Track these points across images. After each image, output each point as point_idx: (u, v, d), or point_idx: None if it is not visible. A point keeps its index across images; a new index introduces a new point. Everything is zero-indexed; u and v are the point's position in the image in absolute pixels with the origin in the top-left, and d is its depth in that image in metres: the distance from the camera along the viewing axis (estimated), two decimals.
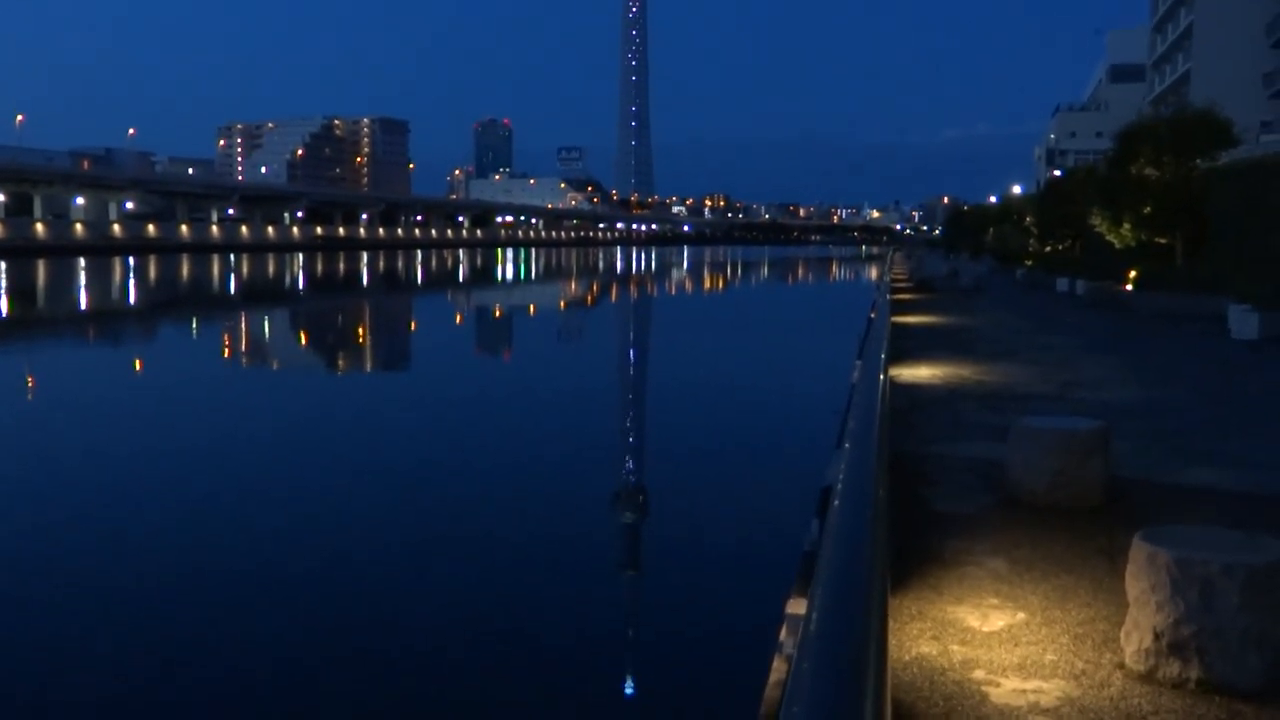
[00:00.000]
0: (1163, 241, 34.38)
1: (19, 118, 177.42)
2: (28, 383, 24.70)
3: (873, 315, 16.58)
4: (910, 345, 18.37)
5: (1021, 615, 5.17)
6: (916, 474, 8.30)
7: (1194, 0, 72.29)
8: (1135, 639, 4.49)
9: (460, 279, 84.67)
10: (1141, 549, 4.48)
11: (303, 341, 37.46)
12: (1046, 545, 6.33)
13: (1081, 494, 7.24)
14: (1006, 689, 4.34)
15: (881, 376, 8.26)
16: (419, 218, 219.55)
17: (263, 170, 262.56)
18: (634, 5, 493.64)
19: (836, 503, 4.21)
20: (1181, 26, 75.21)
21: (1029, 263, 54.14)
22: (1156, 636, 4.38)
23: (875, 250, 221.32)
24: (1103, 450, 7.39)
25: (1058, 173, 73.68)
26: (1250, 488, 8.03)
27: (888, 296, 24.49)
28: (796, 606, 4.40)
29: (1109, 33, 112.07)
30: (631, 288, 76.62)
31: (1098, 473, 7.35)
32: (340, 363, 30.79)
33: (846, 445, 5.59)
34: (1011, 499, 7.43)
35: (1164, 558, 4.35)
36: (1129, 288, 31.86)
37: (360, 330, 42.44)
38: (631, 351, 35.21)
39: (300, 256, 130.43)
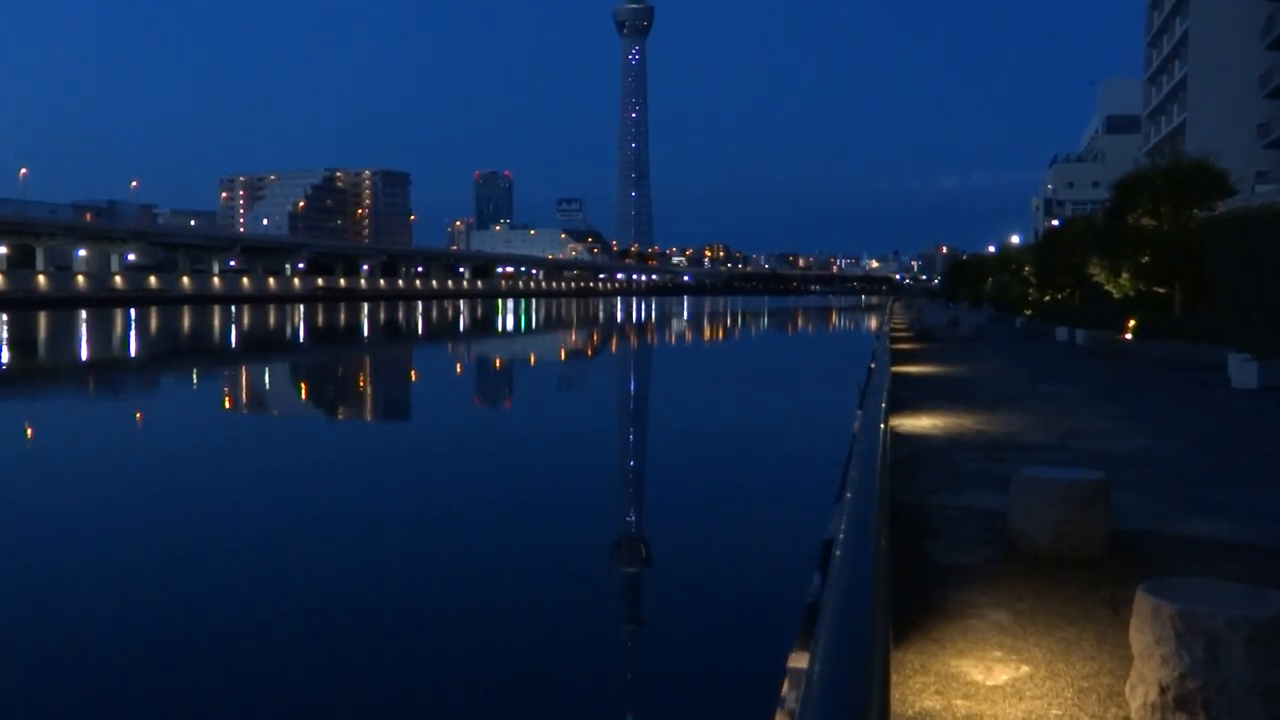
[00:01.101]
0: (1161, 291, 34.48)
1: (22, 171, 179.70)
2: (25, 433, 24.66)
3: (873, 365, 16.59)
4: (911, 395, 18.37)
5: (1026, 668, 5.12)
6: (918, 525, 8.27)
7: (1187, 52, 73.13)
8: (1140, 693, 4.45)
9: (460, 330, 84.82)
10: (1146, 602, 4.45)
11: (302, 393, 37.44)
12: (1049, 597, 6.29)
13: (1084, 545, 7.21)
14: None
15: (882, 427, 8.24)
16: (420, 269, 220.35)
17: (264, 222, 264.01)
18: (634, 56, 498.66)
19: (838, 554, 4.19)
20: (1176, 78, 76.00)
21: (1028, 312, 54.28)
22: (1162, 690, 4.34)
23: (875, 300, 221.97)
24: (1104, 501, 7.37)
25: (1056, 222, 74.10)
26: (1254, 539, 7.99)
27: (888, 346, 24.53)
28: (798, 660, 4.37)
29: (1103, 83, 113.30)
30: (631, 338, 76.74)
31: (1100, 523, 7.32)
32: (339, 413, 30.77)
33: (848, 496, 5.57)
34: (1013, 550, 7.39)
35: (1168, 611, 4.32)
36: (1128, 337, 31.92)
37: (360, 381, 42.44)
38: (631, 402, 35.20)
39: (301, 308, 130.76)
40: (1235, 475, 11.04)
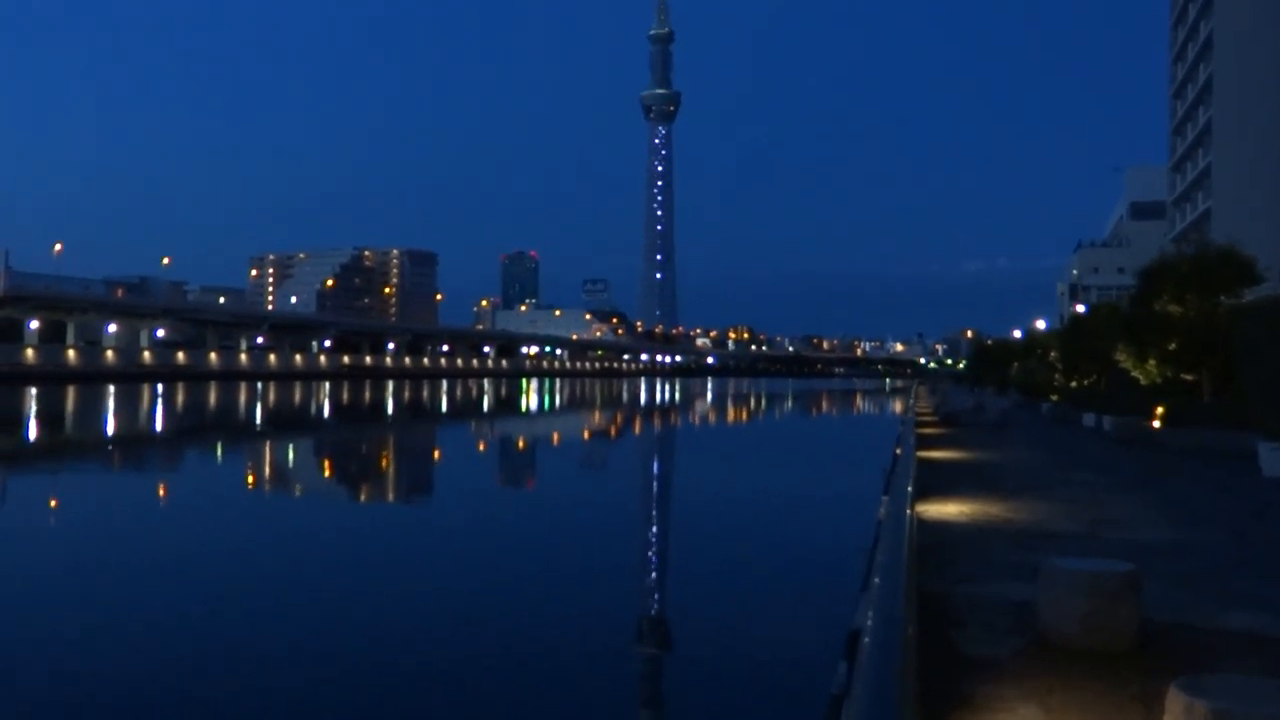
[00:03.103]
0: (1189, 378, 34.25)
1: (57, 246, 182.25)
2: (50, 505, 24.74)
3: (898, 450, 16.50)
4: (937, 481, 18.22)
5: None
6: (945, 614, 8.15)
7: (1211, 141, 73.53)
8: None
9: (485, 409, 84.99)
10: (1178, 699, 4.36)
11: (324, 471, 37.49)
12: (1080, 691, 6.17)
13: (1114, 637, 7.08)
14: None
15: (908, 513, 8.18)
16: (445, 347, 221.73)
17: (293, 300, 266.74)
18: (660, 140, 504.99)
19: (866, 641, 4.14)
20: (1200, 166, 76.31)
21: (1055, 397, 53.95)
22: None
23: (899, 383, 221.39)
24: (1135, 592, 7.25)
25: (1081, 308, 73.99)
26: None
27: (913, 431, 24.41)
28: None
29: (1128, 170, 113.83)
30: (655, 420, 76.67)
31: (1131, 616, 7.20)
32: (361, 492, 30.77)
33: (875, 583, 5.52)
34: (1042, 641, 7.27)
35: (1202, 709, 4.23)
36: (1157, 424, 31.65)
37: (383, 460, 42.48)
38: (654, 484, 35.06)
39: (327, 385, 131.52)
40: (1269, 567, 10.86)
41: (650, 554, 20.45)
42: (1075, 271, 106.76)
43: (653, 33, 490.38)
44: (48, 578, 16.14)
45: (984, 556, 11.02)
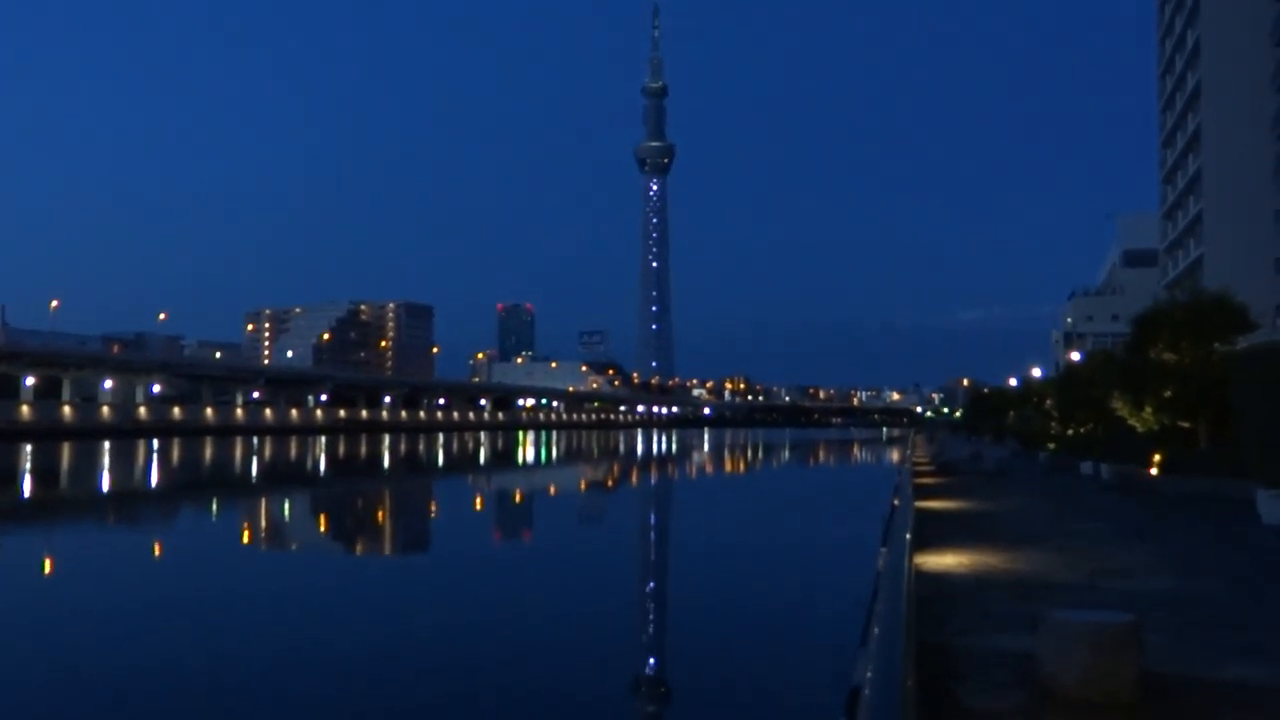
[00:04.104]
0: (1186, 425, 34.26)
1: (54, 303, 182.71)
2: (44, 564, 24.58)
3: (896, 501, 16.46)
4: (935, 531, 18.17)
5: None
6: (945, 666, 8.10)
7: (1202, 188, 74.09)
8: None
9: (481, 462, 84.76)
10: None
11: (321, 525, 37.32)
12: None
13: (1116, 689, 7.04)
14: None
15: (907, 564, 8.15)
16: (441, 401, 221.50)
17: (289, 354, 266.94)
18: (655, 192, 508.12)
19: (866, 694, 4.12)
20: (1191, 214, 76.83)
21: (1052, 446, 53.93)
22: None
23: (896, 433, 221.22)
24: (1136, 643, 7.21)
25: (1076, 355, 74.16)
26: None
27: (910, 481, 24.37)
28: None
29: (1119, 217, 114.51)
30: (652, 471, 76.47)
31: (1132, 667, 7.16)
32: (358, 547, 30.60)
33: (875, 631, 5.49)
34: (1044, 694, 7.22)
35: None
36: (1154, 471, 31.63)
37: (379, 514, 42.30)
38: (651, 534, 34.91)
39: (323, 439, 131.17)
40: (1270, 616, 10.82)
41: (647, 608, 20.32)
42: (1069, 319, 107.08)
43: (646, 86, 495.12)
44: (36, 634, 16.01)
45: (983, 608, 10.97)
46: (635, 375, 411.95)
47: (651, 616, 19.33)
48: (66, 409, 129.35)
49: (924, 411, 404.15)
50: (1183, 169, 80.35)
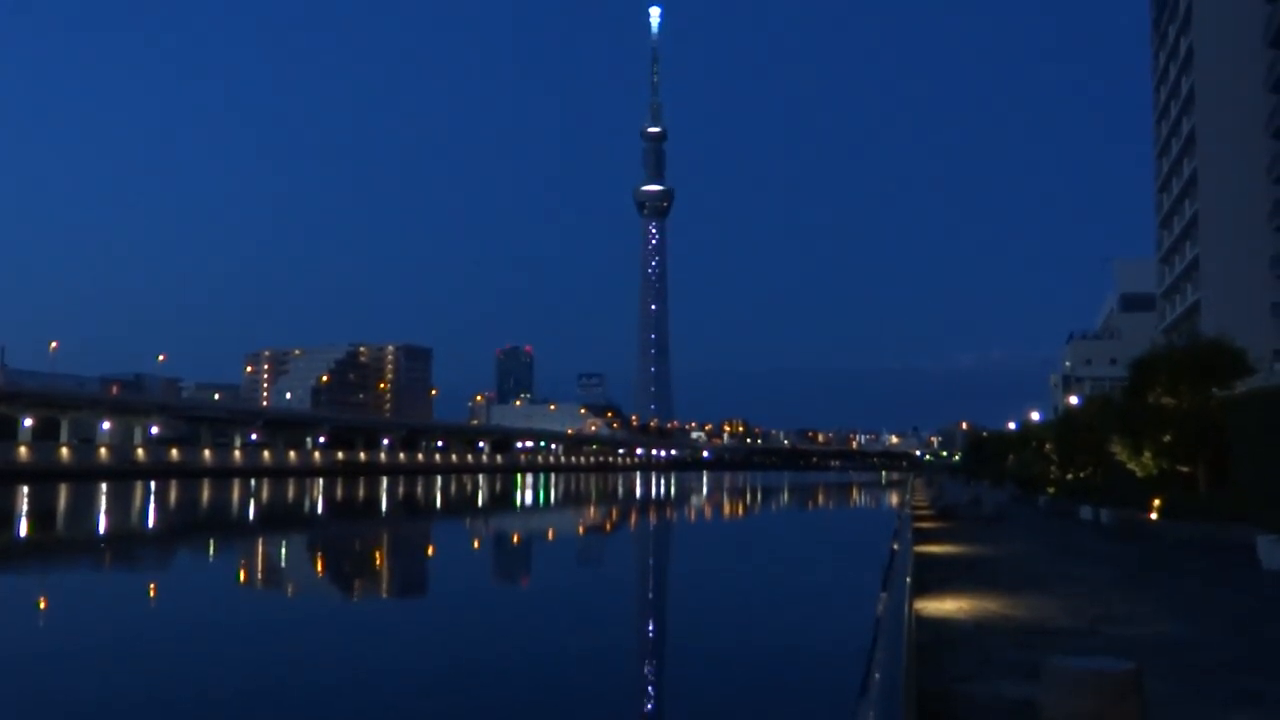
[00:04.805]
0: (1185, 469, 34.21)
1: (53, 344, 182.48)
2: (39, 606, 24.44)
3: (895, 546, 16.41)
4: (934, 576, 18.10)
5: None
6: (946, 714, 8.05)
7: (1198, 233, 74.44)
8: None
9: (479, 505, 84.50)
10: None
11: (318, 568, 37.14)
12: None
13: None
14: None
15: (907, 610, 8.12)
16: (440, 443, 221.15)
17: (288, 396, 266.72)
18: (654, 235, 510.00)
19: None
20: (1188, 258, 77.14)
21: (1051, 490, 53.82)
22: None
23: (895, 476, 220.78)
24: (1137, 690, 7.16)
25: (1075, 399, 74.19)
26: None
27: (910, 526, 24.31)
28: None
29: (1116, 262, 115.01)
30: (651, 515, 76.21)
31: (1133, 714, 7.11)
32: (354, 591, 30.43)
33: (875, 677, 5.46)
34: None
35: None
36: (1154, 516, 31.55)
37: (377, 556, 42.11)
38: (650, 580, 34.73)
39: (321, 481, 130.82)
40: (1272, 664, 10.76)
41: (642, 656, 20.19)
42: (1068, 363, 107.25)
43: (645, 130, 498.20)
44: (28, 676, 15.90)
45: (984, 654, 10.91)
46: (634, 418, 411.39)
47: (647, 666, 19.19)
48: (64, 450, 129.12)
49: (923, 455, 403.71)
50: (1179, 214, 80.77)
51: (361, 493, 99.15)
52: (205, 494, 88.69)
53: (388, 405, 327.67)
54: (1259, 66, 69.05)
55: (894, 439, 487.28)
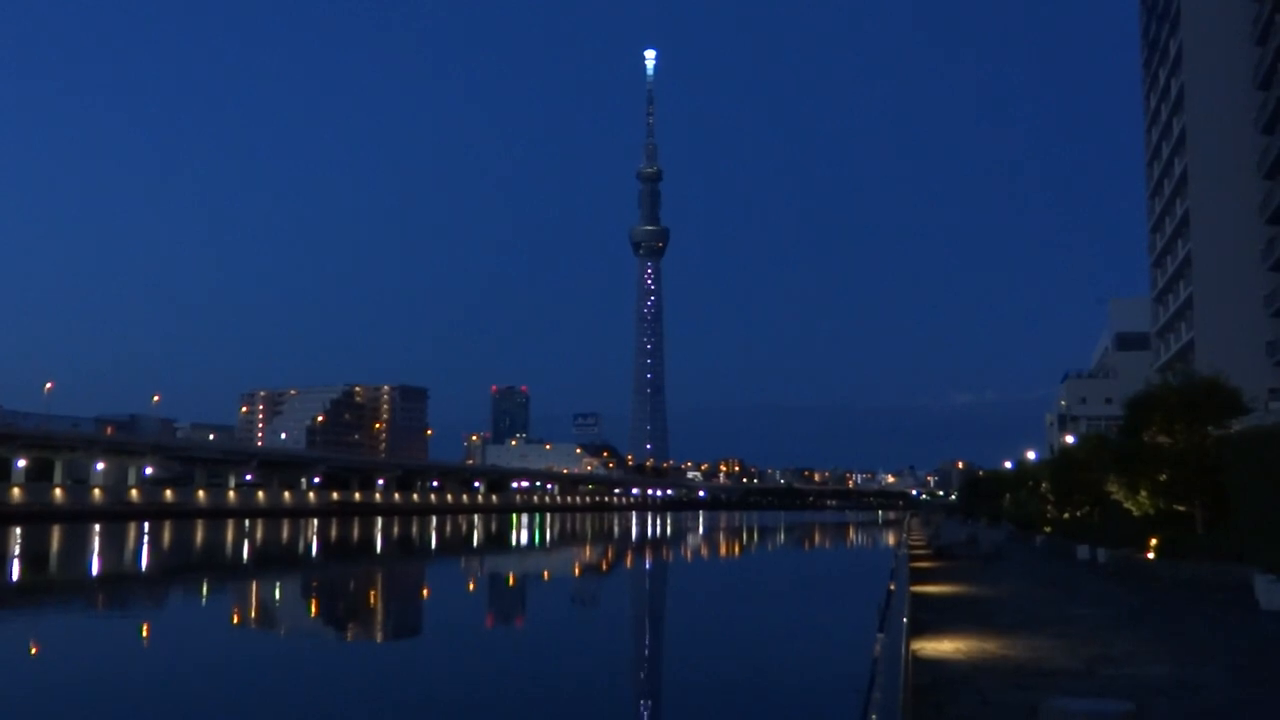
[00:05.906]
0: (1182, 509, 34.14)
1: (48, 385, 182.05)
2: (30, 650, 24.25)
3: (892, 586, 16.35)
4: (931, 616, 18.02)
5: None
6: None
7: (1191, 273, 74.71)
8: None
9: (475, 545, 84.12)
10: None
11: (311, 610, 36.91)
12: None
13: None
14: None
15: (904, 651, 8.07)
16: (435, 483, 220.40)
17: (282, 436, 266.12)
18: (649, 275, 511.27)
19: None
20: (1182, 298, 77.39)
21: (1048, 529, 53.68)
22: None
23: (891, 515, 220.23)
24: None
25: (1070, 438, 74.15)
26: None
27: (906, 565, 24.22)
28: None
29: (1110, 301, 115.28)
30: (646, 555, 75.89)
31: None
32: (349, 632, 30.23)
33: (873, 718, 5.42)
34: None
35: None
36: (1151, 556, 31.46)
37: (371, 598, 41.85)
38: (645, 618, 34.53)
39: (315, 521, 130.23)
40: (1270, 704, 10.69)
41: (636, 699, 20.04)
42: (1063, 402, 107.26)
43: (641, 171, 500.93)
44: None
45: (982, 695, 10.84)
46: (630, 457, 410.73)
47: (642, 706, 19.05)
48: (58, 491, 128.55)
49: (919, 494, 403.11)
50: (1172, 253, 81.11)
51: (356, 533, 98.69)
52: (199, 535, 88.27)
53: (383, 445, 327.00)
54: (1249, 108, 69.61)
55: (890, 478, 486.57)
